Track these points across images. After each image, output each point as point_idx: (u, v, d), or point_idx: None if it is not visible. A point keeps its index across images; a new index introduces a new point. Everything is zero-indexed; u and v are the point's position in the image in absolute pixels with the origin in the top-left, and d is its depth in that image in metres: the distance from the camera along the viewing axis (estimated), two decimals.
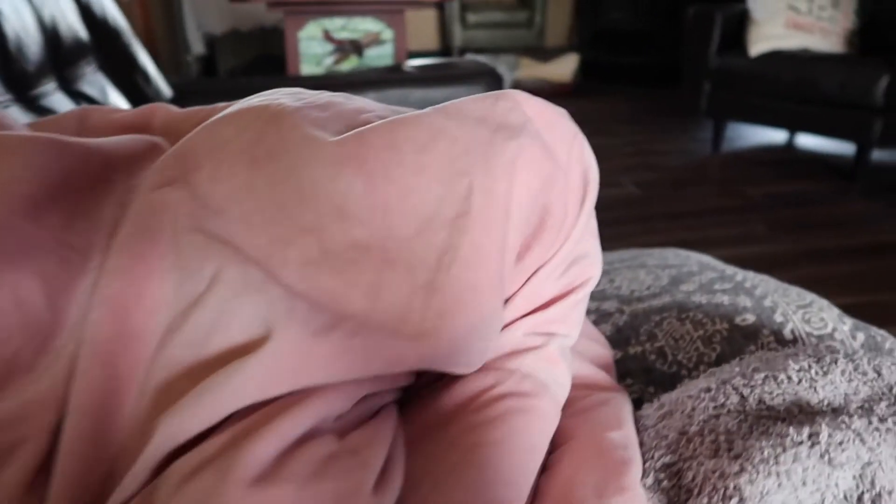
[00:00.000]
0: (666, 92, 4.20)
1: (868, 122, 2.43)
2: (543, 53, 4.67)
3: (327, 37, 1.60)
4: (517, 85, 4.08)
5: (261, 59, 3.09)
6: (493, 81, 1.31)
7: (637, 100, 4.05)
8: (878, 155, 2.82)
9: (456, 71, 1.32)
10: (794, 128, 2.65)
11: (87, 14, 1.00)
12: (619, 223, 2.25)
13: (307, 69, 1.61)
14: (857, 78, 2.42)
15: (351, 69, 1.65)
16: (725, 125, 2.96)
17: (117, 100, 1.01)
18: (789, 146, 3.08)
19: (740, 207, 2.36)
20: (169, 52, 2.97)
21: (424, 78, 1.29)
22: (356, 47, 1.62)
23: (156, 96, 1.12)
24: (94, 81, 0.98)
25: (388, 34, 1.62)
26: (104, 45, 1.04)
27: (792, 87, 2.58)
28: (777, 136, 3.22)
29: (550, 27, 5.03)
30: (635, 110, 3.80)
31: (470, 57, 4.29)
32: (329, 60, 1.64)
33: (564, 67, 4.09)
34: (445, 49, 4.75)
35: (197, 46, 3.11)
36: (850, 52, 2.69)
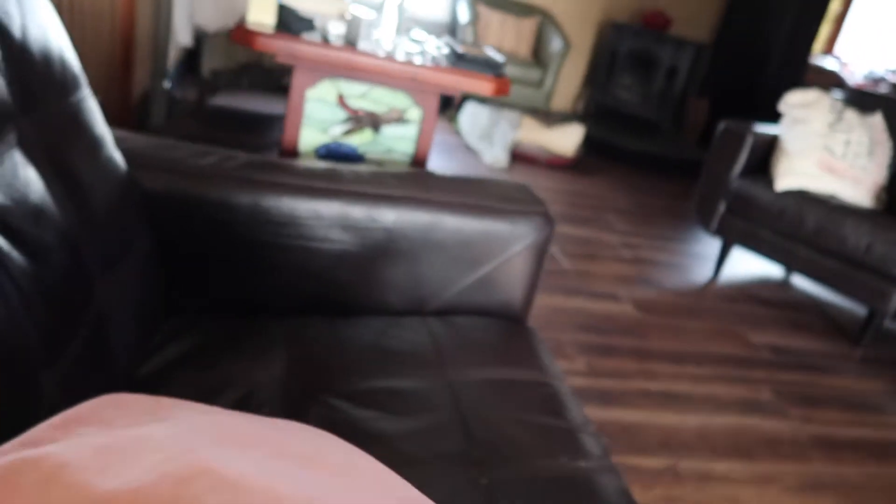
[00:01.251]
0: (666, 185, 4.04)
1: (888, 291, 2.26)
2: (547, 116, 4.46)
3: (342, 102, 1.32)
4: (517, 146, 3.84)
5: (250, 69, 2.77)
6: (544, 222, 1.04)
7: (637, 189, 3.87)
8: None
9: (501, 201, 1.05)
10: (807, 275, 2.48)
11: (11, 55, 0.69)
12: (617, 355, 2.00)
13: (309, 134, 1.31)
14: (885, 242, 2.25)
15: (362, 145, 1.36)
16: (731, 249, 2.77)
17: (35, 189, 0.69)
18: (786, 283, 2.92)
19: (744, 360, 2.15)
20: (149, 38, 2.62)
21: (463, 205, 1.01)
22: (374, 121, 1.33)
23: (100, 180, 0.80)
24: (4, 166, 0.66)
25: (414, 114, 1.34)
26: (37, 106, 0.72)
27: (813, 234, 2.40)
28: (773, 268, 3.05)
29: (559, 91, 4.84)
30: (635, 203, 3.60)
31: (472, 105, 4.04)
32: (338, 130, 1.35)
33: (568, 139, 3.87)
34: None
35: (183, 36, 2.77)
36: (878, 208, 2.54)
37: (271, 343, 0.94)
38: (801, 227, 2.44)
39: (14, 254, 0.62)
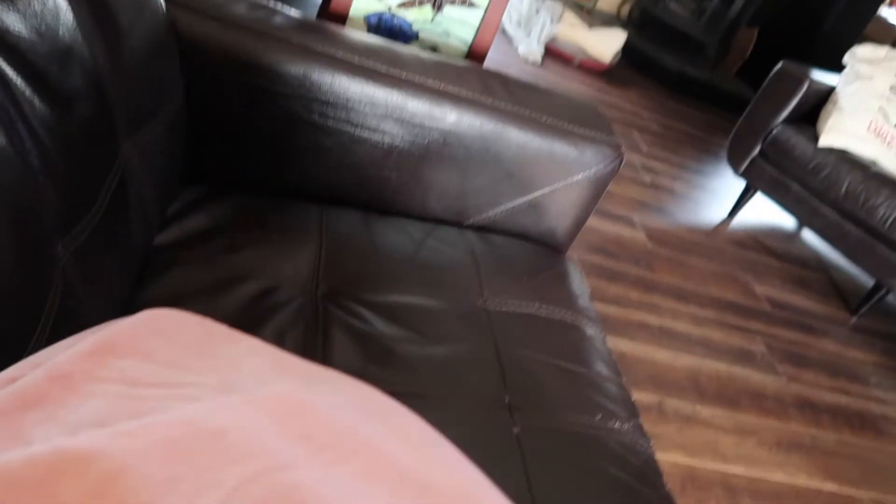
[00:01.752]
0: (698, 113, 3.89)
1: None
2: (589, 15, 4.20)
3: None
4: (553, 41, 3.63)
5: None
6: (614, 155, 0.96)
7: (668, 111, 3.72)
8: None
9: (573, 123, 0.96)
10: (823, 236, 2.43)
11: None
12: (623, 283, 1.98)
13: (361, 1, 1.18)
14: None
15: (418, 22, 1.24)
16: (753, 194, 2.70)
17: (65, 21, 0.60)
18: (796, 237, 2.89)
19: (744, 309, 2.14)
20: None
21: (531, 120, 0.92)
22: None
23: (138, 18, 0.71)
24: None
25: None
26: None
27: (843, 197, 2.33)
28: (787, 219, 3.01)
29: None
30: (664, 125, 3.47)
31: None
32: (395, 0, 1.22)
33: (607, 44, 3.66)
34: None
35: None
36: None
37: (301, 233, 0.88)
38: (833, 188, 2.36)
39: (36, 101, 0.53)
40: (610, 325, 1.77)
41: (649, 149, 3.09)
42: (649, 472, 0.73)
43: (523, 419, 0.70)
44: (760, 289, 2.31)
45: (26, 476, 0.23)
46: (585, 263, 1.98)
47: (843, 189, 2.34)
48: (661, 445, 1.45)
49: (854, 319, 2.40)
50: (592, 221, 2.22)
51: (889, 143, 2.40)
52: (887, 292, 2.33)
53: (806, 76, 2.44)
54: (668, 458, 1.43)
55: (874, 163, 2.41)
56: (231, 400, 0.31)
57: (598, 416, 0.76)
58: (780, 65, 2.51)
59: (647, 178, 2.77)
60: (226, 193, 0.89)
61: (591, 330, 0.91)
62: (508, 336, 0.81)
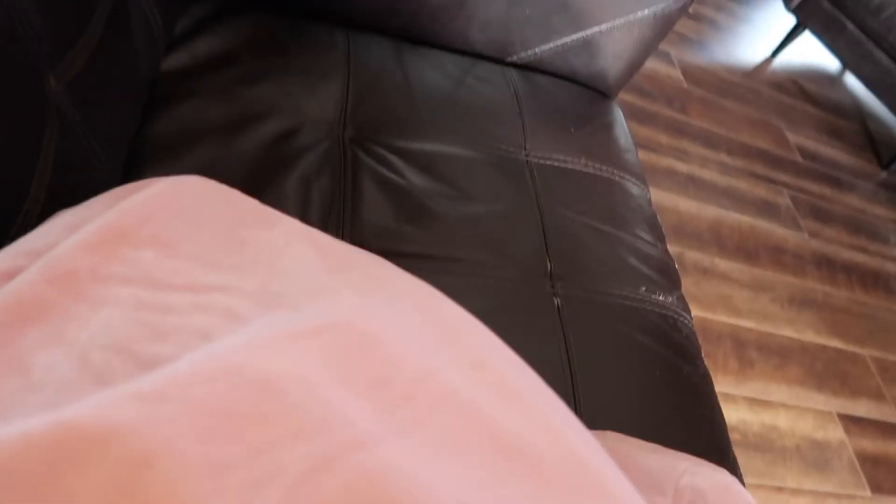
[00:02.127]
0: None
1: None
2: None
3: None
4: None
5: None
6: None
7: None
8: None
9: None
10: (871, 86, 2.27)
11: None
12: (655, 125, 1.87)
13: None
14: None
15: None
16: (802, 32, 2.49)
17: None
18: (838, 81, 2.70)
19: (774, 159, 2.05)
20: None
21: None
22: None
23: None
24: None
25: None
26: None
27: None
28: (832, 61, 2.80)
29: None
30: None
31: None
32: None
33: None
34: None
35: None
36: None
37: (325, 64, 0.77)
38: (893, 31, 2.16)
39: None
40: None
41: None
42: (690, 348, 0.70)
43: (565, 289, 0.65)
44: (793, 137, 2.20)
45: (24, 464, 0.17)
46: (619, 101, 1.85)
47: None
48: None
49: (884, 174, 2.31)
50: None
51: None
52: None
53: None
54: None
55: None
56: (280, 328, 0.25)
57: (643, 289, 0.71)
58: None
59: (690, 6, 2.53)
60: (240, 10, 0.77)
61: (636, 189, 0.84)
62: (552, 195, 0.74)
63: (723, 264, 1.60)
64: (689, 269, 1.53)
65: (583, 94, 0.90)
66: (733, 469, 0.63)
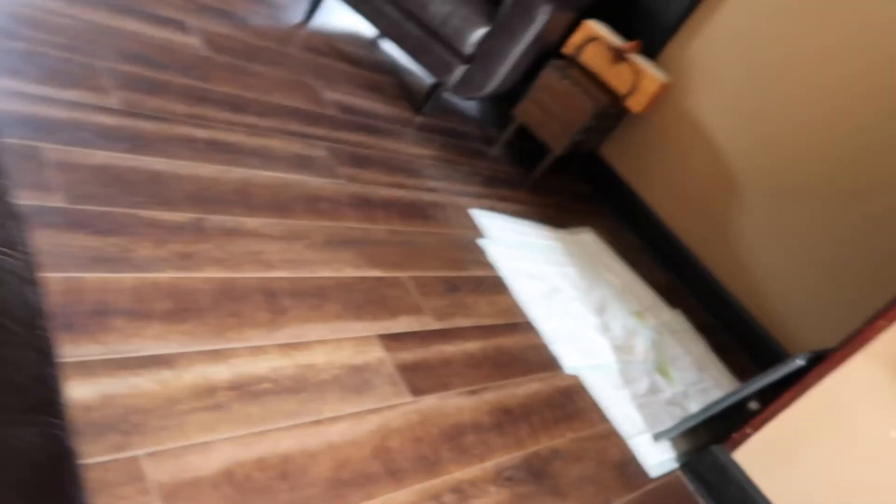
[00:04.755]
0: None
1: (453, 64, 2.41)
2: None
3: None
4: None
5: None
6: None
7: None
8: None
9: None
10: (390, 37, 2.47)
11: None
12: (166, 94, 1.75)
13: None
14: (461, 17, 2.33)
15: None
16: None
17: None
18: (374, 45, 2.92)
19: (310, 115, 2.10)
20: None
21: None
22: None
23: None
24: None
25: None
26: None
27: None
28: (368, 28, 3.01)
29: None
30: None
31: None
32: None
33: None
34: None
35: None
36: None
37: None
38: None
39: None
40: (144, 143, 1.55)
41: None
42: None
43: None
44: (330, 95, 2.29)
45: None
46: (116, 74, 1.69)
47: None
48: (196, 264, 1.36)
49: (419, 118, 2.56)
50: (129, 24, 1.90)
51: None
52: (443, 90, 2.51)
53: None
54: (201, 275, 1.34)
55: None
56: None
57: None
58: None
59: None
60: None
61: None
62: None
63: (251, 222, 1.57)
64: (210, 234, 1.46)
65: None
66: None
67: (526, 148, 2.86)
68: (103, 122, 1.53)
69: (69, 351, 1.07)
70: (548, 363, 1.84)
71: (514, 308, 1.94)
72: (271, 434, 1.16)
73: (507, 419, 1.56)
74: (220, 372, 1.20)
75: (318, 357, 1.37)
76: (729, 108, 2.62)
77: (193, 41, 2.04)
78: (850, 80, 2.35)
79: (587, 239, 2.63)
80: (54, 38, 1.65)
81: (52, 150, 1.37)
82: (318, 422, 1.24)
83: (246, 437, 1.13)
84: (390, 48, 2.96)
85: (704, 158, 2.70)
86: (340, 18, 2.87)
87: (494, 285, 1.97)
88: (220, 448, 1.09)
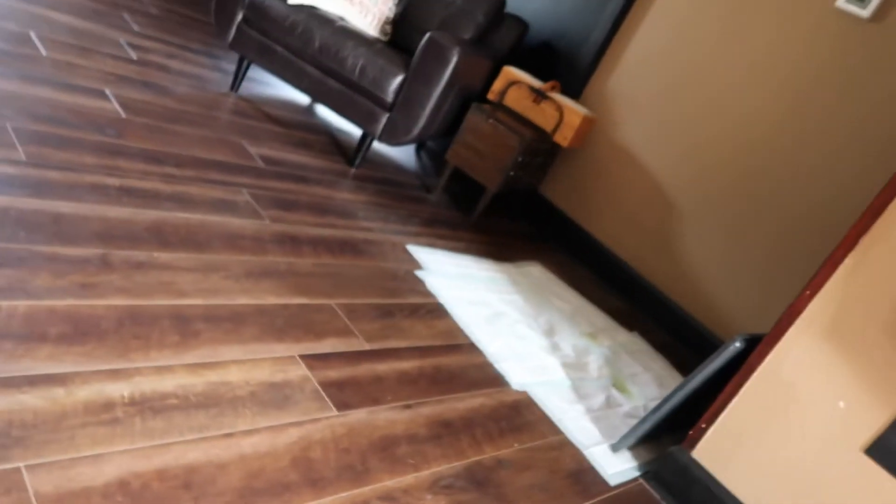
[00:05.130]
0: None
1: (377, 114, 2.46)
2: None
3: None
4: None
5: None
6: None
7: None
8: (378, 147, 2.94)
9: None
10: (313, 96, 2.54)
11: None
12: (77, 149, 1.75)
13: None
14: (376, 68, 2.41)
15: None
16: (249, 65, 2.68)
17: None
18: (309, 110, 3.00)
19: (233, 167, 2.11)
20: None
21: None
22: None
23: None
24: None
25: None
26: None
27: (319, 52, 2.45)
28: (302, 96, 3.10)
29: None
30: (166, 8, 3.22)
31: None
32: None
33: None
34: None
35: None
36: (380, 39, 2.71)
37: None
38: (309, 45, 2.45)
39: None
40: (49, 189, 1.54)
41: (142, 29, 2.83)
42: None
43: None
44: (256, 150, 2.32)
45: None
46: (26, 132, 1.69)
47: (317, 44, 2.44)
48: (98, 293, 1.31)
49: (353, 170, 2.58)
50: (43, 92, 1.92)
51: (351, 1, 2.57)
52: (372, 139, 2.55)
53: None
54: (103, 303, 1.30)
55: (342, 18, 2.56)
56: None
57: None
58: None
59: (134, 54, 2.54)
60: None
61: None
62: None
63: (164, 256, 1.53)
64: (117, 266, 1.42)
65: None
66: None
67: (465, 192, 2.89)
68: (6, 172, 1.51)
69: None
70: (493, 380, 1.78)
71: (454, 330, 1.90)
72: (174, 447, 1.09)
73: (447, 431, 1.49)
74: (119, 389, 1.13)
75: (233, 375, 1.30)
76: (652, 130, 2.71)
77: (111, 106, 2.07)
78: (756, 85, 2.46)
79: (535, 271, 2.62)
80: None
81: None
82: (229, 434, 1.17)
83: (145, 450, 1.05)
84: (327, 114, 3.03)
85: (639, 182, 2.75)
86: (270, 88, 2.95)
87: (432, 311, 1.93)
88: (115, 460, 1.01)
